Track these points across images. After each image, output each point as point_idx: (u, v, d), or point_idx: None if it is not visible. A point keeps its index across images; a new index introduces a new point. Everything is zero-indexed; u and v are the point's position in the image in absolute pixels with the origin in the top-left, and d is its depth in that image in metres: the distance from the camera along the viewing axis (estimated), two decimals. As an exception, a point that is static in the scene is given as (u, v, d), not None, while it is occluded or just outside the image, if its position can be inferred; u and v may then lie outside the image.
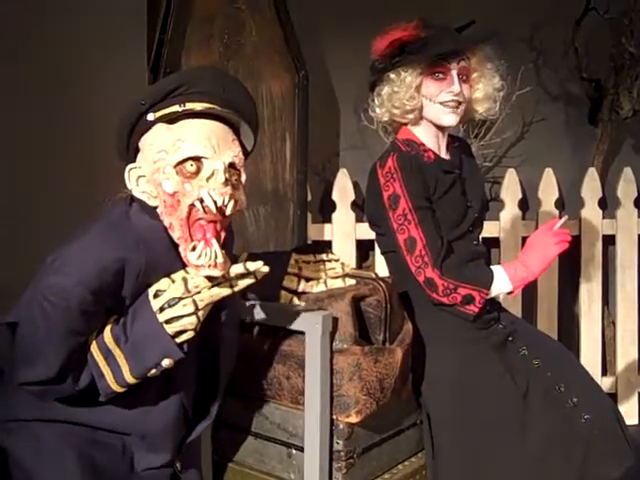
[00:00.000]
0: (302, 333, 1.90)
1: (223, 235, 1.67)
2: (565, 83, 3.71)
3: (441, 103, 2.15)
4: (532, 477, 2.04)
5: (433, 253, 2.08)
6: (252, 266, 1.63)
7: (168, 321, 1.59)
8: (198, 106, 1.66)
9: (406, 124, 2.24)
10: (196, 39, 2.95)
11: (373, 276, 2.04)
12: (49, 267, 1.61)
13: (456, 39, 2.18)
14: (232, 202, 1.64)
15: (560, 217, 2.27)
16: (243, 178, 1.70)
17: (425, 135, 2.22)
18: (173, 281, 1.62)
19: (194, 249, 1.61)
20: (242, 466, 2.06)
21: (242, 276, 1.64)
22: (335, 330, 1.89)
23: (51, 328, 1.57)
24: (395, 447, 2.07)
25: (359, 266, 3.45)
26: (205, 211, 1.62)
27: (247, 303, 2.00)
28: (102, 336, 1.63)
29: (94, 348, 1.62)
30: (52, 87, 2.55)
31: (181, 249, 1.64)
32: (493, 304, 2.26)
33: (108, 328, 1.63)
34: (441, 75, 2.15)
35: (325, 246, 3.26)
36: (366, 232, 2.71)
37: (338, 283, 2.01)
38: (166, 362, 1.61)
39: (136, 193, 1.68)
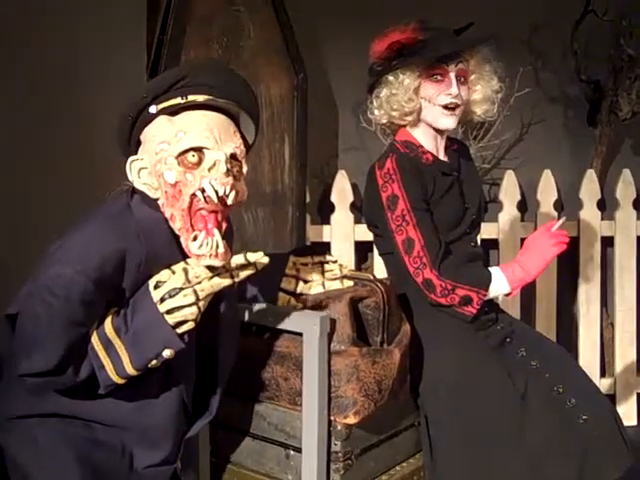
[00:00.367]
0: (300, 334, 1.90)
1: (224, 226, 1.68)
2: (564, 85, 3.71)
3: (440, 105, 2.16)
4: (530, 478, 2.04)
5: (431, 254, 2.09)
6: (252, 257, 1.64)
7: (169, 311, 1.60)
8: (200, 98, 1.67)
9: (405, 126, 2.24)
10: (195, 40, 2.96)
11: (371, 278, 2.05)
12: (50, 258, 1.62)
13: (454, 41, 2.18)
14: (233, 192, 1.65)
15: (558, 219, 2.27)
16: (244, 169, 1.71)
17: (423, 137, 2.23)
18: (174, 272, 1.62)
19: (195, 239, 1.62)
20: (240, 467, 2.06)
21: (242, 267, 1.65)
22: (333, 331, 1.89)
23: (52, 318, 1.57)
24: (393, 448, 2.07)
25: (358, 268, 3.45)
26: (206, 201, 1.63)
27: (245, 304, 2.01)
28: (103, 327, 1.63)
29: (94, 339, 1.63)
30: (51, 88, 2.55)
31: (182, 239, 1.65)
32: (491, 305, 2.27)
33: (109, 319, 1.64)
34: (439, 77, 2.15)
35: (324, 248, 3.28)
36: (365, 234, 2.71)
37: (336, 285, 2.02)
38: (167, 353, 1.61)
39: (137, 185, 1.69)
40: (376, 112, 2.24)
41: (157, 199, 1.69)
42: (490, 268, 2.17)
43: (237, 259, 1.64)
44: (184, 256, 1.65)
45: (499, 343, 2.22)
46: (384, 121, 2.26)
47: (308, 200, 3.34)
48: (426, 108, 2.18)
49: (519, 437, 2.06)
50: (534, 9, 3.55)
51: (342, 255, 3.27)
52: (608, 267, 3.70)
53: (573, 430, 2.07)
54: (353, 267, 3.35)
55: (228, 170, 1.64)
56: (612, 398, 3.52)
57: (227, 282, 1.64)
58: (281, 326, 1.94)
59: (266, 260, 1.66)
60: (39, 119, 2.52)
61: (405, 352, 2.00)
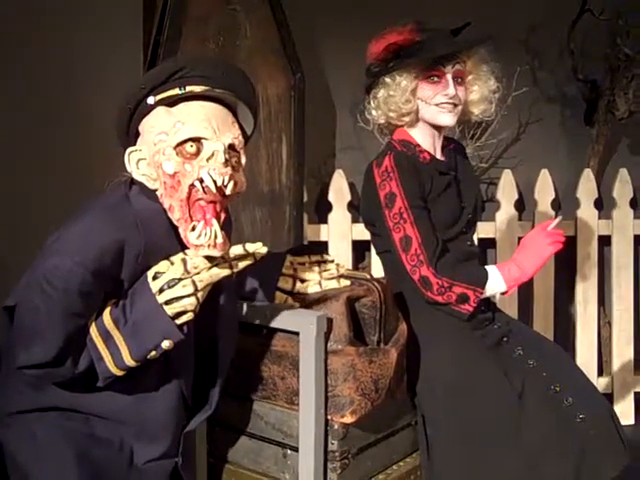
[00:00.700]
0: (297, 334, 1.90)
1: (223, 216, 1.68)
2: (561, 84, 3.72)
3: (437, 105, 2.16)
4: (528, 477, 2.04)
5: (428, 252, 2.09)
6: (251, 247, 1.65)
7: (168, 302, 1.60)
8: (198, 88, 1.67)
9: (402, 125, 2.24)
10: (192, 40, 2.96)
11: (368, 277, 2.05)
12: (48, 249, 1.62)
13: (451, 42, 2.18)
14: (232, 182, 1.65)
15: (555, 218, 2.27)
16: (243, 160, 1.71)
17: (421, 136, 2.23)
18: (172, 263, 1.63)
19: (194, 229, 1.62)
20: (237, 466, 2.06)
21: (241, 257, 1.65)
22: (330, 331, 1.89)
23: (50, 310, 1.57)
24: (390, 447, 2.07)
25: (355, 267, 3.46)
26: (205, 191, 1.63)
27: (242, 303, 2.01)
28: (101, 318, 1.63)
29: (93, 330, 1.63)
30: (49, 88, 2.55)
31: (181, 230, 1.65)
32: (488, 304, 2.27)
33: (107, 310, 1.64)
34: (436, 78, 2.16)
35: (321, 247, 3.28)
36: (362, 233, 2.72)
37: (333, 284, 2.01)
38: (166, 344, 1.61)
39: (136, 176, 1.69)
40: (374, 113, 2.25)
41: (156, 190, 1.68)
42: (486, 267, 2.17)
43: (236, 249, 1.64)
44: (183, 247, 1.65)
45: (496, 342, 2.22)
46: (382, 122, 2.26)
47: (305, 199, 3.34)
48: (424, 108, 2.18)
49: (516, 436, 2.06)
50: (531, 9, 3.55)
51: (339, 254, 3.28)
52: (605, 266, 3.70)
53: (570, 429, 2.07)
54: (350, 266, 3.35)
55: (226, 160, 1.64)
56: (609, 397, 3.51)
57: (226, 272, 1.64)
58: (278, 325, 1.94)
59: (265, 250, 1.66)
60: (37, 119, 2.52)
61: (402, 351, 2.00)
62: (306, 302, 1.98)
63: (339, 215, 3.42)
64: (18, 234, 2.44)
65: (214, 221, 1.63)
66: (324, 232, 3.43)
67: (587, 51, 3.58)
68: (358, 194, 3.22)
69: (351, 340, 1.91)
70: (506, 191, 3.56)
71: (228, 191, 1.65)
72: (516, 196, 3.57)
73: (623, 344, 3.64)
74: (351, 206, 3.41)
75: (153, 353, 1.63)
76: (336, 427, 1.91)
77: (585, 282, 3.61)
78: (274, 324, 1.94)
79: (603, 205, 3.69)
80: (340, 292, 1.96)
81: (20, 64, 2.49)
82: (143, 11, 2.94)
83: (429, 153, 2.22)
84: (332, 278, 2.03)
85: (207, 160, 1.63)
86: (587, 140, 3.69)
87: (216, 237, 1.60)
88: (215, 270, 1.63)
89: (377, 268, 2.75)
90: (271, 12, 3.10)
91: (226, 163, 1.64)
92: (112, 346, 1.62)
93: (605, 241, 3.65)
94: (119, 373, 1.64)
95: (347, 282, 2.02)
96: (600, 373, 3.66)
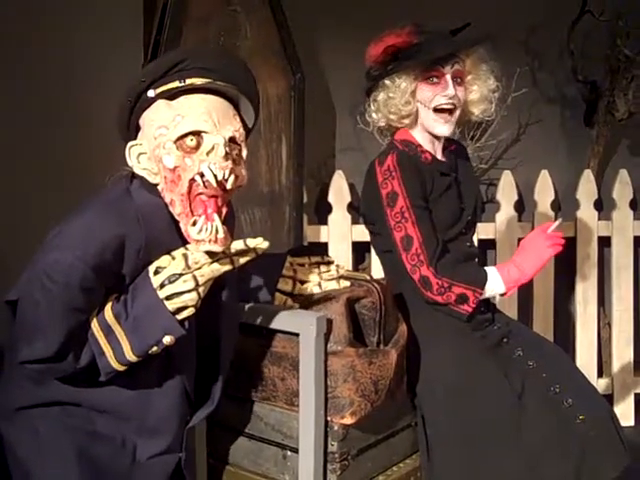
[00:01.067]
0: (296, 335, 1.90)
1: (225, 211, 1.67)
2: (561, 85, 3.72)
3: (436, 108, 2.16)
4: (528, 479, 2.04)
5: (429, 252, 2.09)
6: (252, 242, 1.63)
7: (169, 297, 1.59)
8: (198, 81, 1.66)
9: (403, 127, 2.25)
10: (192, 40, 2.95)
11: (367, 278, 2.05)
12: (49, 243, 1.61)
13: (449, 43, 2.18)
14: (232, 176, 1.64)
15: (555, 219, 2.27)
16: (244, 153, 1.70)
17: (422, 137, 2.23)
18: (173, 258, 1.62)
19: (195, 224, 1.61)
20: (237, 468, 2.06)
21: (242, 252, 1.64)
22: (329, 332, 1.89)
23: (52, 305, 1.56)
24: (390, 449, 2.07)
25: (355, 268, 3.45)
26: (205, 185, 1.62)
27: (243, 305, 2.01)
28: (103, 313, 1.63)
29: (94, 325, 1.62)
30: (49, 88, 2.55)
31: (182, 224, 1.64)
32: (488, 305, 2.27)
33: (109, 305, 1.63)
34: (435, 79, 2.16)
35: (321, 248, 3.27)
36: (362, 234, 2.71)
37: (332, 285, 2.01)
38: (167, 339, 1.61)
39: (137, 170, 1.68)
40: (374, 115, 2.25)
41: (157, 184, 1.68)
42: (486, 268, 2.18)
43: (237, 245, 1.62)
44: (184, 242, 1.64)
45: (496, 343, 2.22)
46: (382, 124, 2.26)
47: (305, 200, 3.34)
48: (423, 112, 2.18)
49: (516, 437, 2.06)
50: (531, 9, 3.55)
51: (339, 255, 3.28)
52: (605, 267, 3.71)
53: (570, 430, 2.07)
54: (350, 267, 3.35)
55: (227, 154, 1.63)
56: (609, 398, 3.51)
57: (227, 267, 1.62)
58: (278, 326, 1.94)
59: (266, 245, 1.64)
60: (37, 119, 2.52)
61: (402, 352, 2.00)
62: (306, 303, 1.98)
63: (339, 216, 3.42)
64: (18, 234, 2.43)
65: (215, 216, 1.62)
66: (324, 233, 3.43)
67: (587, 52, 3.58)
68: (358, 195, 3.22)
69: (351, 341, 1.91)
70: (506, 192, 3.56)
71: (229, 185, 1.64)
72: (516, 197, 3.57)
73: (623, 345, 3.64)
74: (351, 207, 3.41)
75: (154, 348, 1.62)
76: (336, 428, 1.91)
77: (585, 283, 3.61)
78: (274, 325, 1.94)
79: (603, 206, 3.70)
80: (340, 293, 1.96)
81: (20, 64, 2.49)
82: (143, 11, 2.93)
83: (430, 153, 2.23)
84: (332, 279, 2.02)
85: (207, 154, 1.62)
86: (587, 141, 3.70)
87: (217, 232, 1.59)
88: (216, 265, 1.61)
89: (377, 269, 2.75)
90: (271, 13, 3.10)
91: (226, 157, 1.62)
92: (113, 341, 1.61)
93: (605, 242, 3.65)
94: (121, 368, 1.64)
95: (347, 283, 2.02)
96: (600, 374, 3.67)
